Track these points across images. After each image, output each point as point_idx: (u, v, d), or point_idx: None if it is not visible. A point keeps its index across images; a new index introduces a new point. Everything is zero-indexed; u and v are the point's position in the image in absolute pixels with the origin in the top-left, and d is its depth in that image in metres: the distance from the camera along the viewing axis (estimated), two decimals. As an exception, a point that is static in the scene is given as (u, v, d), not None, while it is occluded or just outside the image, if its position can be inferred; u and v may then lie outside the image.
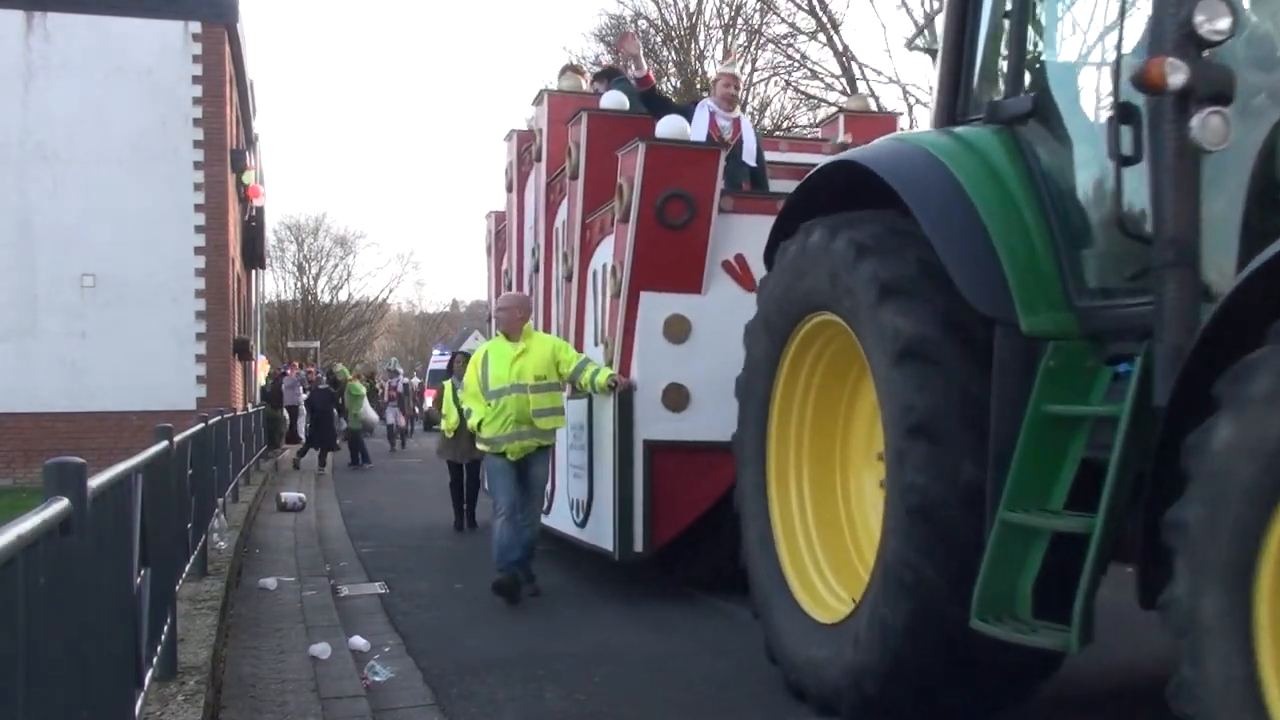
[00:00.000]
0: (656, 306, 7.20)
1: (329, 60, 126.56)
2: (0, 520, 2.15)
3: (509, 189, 10.66)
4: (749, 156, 7.93)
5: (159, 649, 4.45)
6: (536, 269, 9.59)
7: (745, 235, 7.09)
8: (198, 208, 19.20)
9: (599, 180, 7.86)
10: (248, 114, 25.70)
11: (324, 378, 24.10)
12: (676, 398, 7.15)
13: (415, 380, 39.59)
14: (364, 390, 23.41)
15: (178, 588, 5.51)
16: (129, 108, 18.80)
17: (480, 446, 7.74)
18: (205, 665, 4.86)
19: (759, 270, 6.66)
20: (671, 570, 7.86)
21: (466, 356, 11.84)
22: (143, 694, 3.99)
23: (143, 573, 4.09)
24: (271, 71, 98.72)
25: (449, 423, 11.50)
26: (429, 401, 31.10)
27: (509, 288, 10.63)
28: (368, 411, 23.93)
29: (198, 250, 19.17)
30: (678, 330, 7.19)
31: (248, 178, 21.39)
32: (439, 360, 39.13)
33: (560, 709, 5.06)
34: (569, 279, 8.51)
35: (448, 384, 11.83)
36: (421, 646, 6.26)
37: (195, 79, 19.25)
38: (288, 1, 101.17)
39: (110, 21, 18.81)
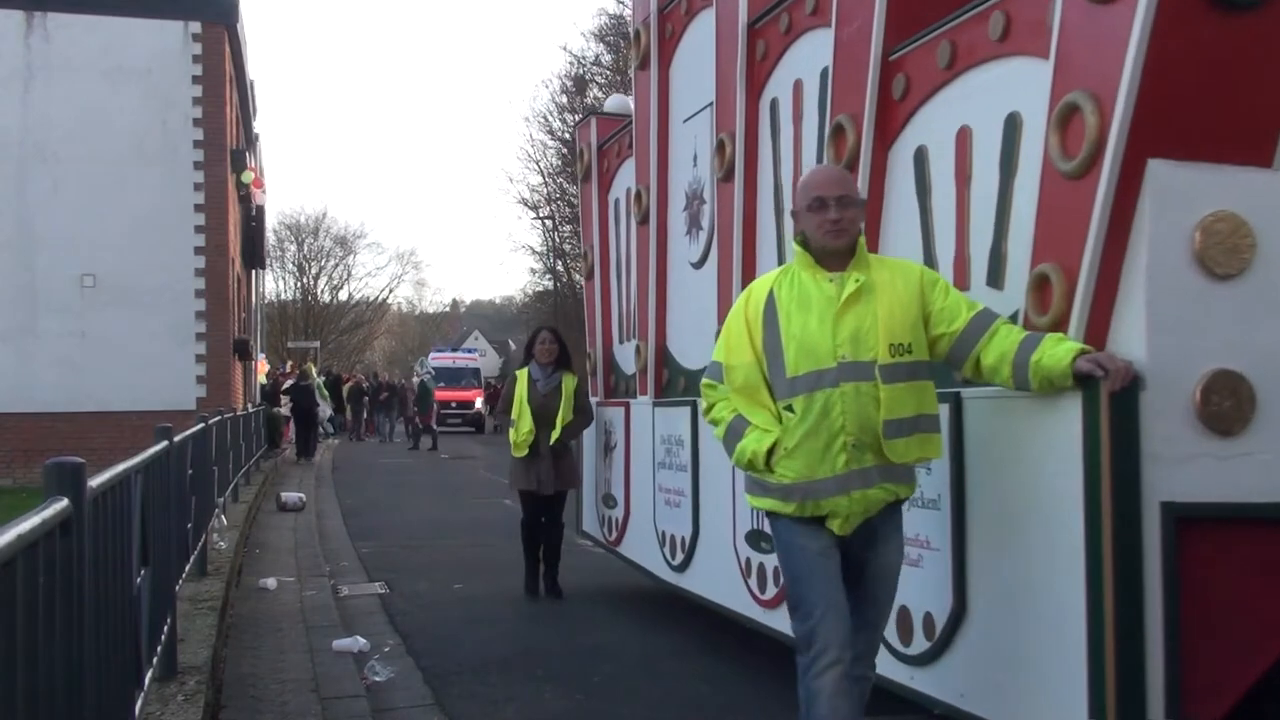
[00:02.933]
0: (1181, 195, 3.29)
1: (329, 60, 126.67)
2: (0, 520, 2.15)
3: (643, 66, 7.18)
4: None
5: (159, 649, 4.44)
6: (728, 176, 5.91)
7: None
8: (198, 208, 19.24)
9: None
10: (248, 114, 25.72)
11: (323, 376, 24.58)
12: (1229, 405, 3.28)
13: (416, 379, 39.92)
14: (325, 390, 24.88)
15: (178, 588, 5.51)
16: (129, 108, 18.84)
17: (760, 504, 3.65)
18: (205, 665, 4.86)
19: None
20: None
21: (555, 334, 8.02)
22: (143, 694, 3.98)
23: (143, 573, 4.09)
24: (271, 71, 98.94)
25: (520, 432, 7.64)
26: None
27: (643, 222, 7.15)
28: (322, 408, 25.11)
29: (198, 250, 19.21)
30: (1228, 249, 3.30)
31: (246, 177, 21.42)
32: (438, 358, 39.66)
33: (560, 709, 5.06)
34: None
35: (521, 374, 7.85)
36: (421, 646, 6.26)
37: (195, 79, 19.30)
38: (288, 1, 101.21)
39: (110, 21, 18.85)
